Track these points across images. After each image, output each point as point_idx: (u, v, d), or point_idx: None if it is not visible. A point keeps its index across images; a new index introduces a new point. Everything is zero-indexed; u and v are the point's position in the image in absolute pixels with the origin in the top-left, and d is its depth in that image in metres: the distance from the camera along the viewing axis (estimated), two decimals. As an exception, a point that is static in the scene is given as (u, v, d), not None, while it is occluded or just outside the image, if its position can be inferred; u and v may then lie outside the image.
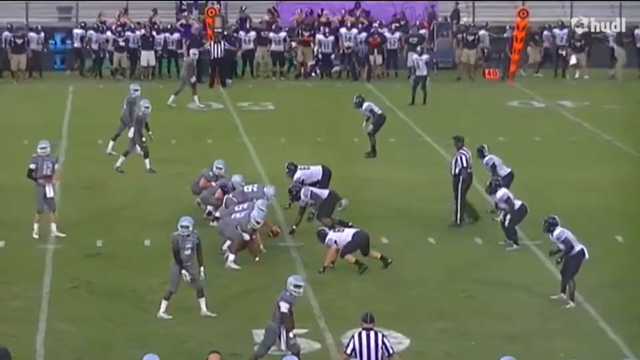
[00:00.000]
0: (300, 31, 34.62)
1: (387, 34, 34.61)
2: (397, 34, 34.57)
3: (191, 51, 30.99)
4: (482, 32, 34.77)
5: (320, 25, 35.10)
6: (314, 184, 20.20)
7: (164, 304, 15.89)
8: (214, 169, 20.26)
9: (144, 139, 23.21)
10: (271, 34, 34.30)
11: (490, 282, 17.52)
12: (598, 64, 34.78)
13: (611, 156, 25.32)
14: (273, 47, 34.35)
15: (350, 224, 18.97)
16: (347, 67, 34.51)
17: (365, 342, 12.77)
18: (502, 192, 18.78)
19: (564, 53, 34.71)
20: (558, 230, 16.48)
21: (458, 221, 19.91)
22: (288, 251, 18.89)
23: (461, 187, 19.90)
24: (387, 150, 25.23)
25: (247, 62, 34.58)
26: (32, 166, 19.14)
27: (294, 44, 34.50)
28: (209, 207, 20.08)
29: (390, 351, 12.84)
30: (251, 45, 34.27)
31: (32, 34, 33.83)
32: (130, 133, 23.40)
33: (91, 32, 34.02)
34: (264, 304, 14.28)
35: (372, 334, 12.82)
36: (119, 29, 34.20)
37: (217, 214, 19.59)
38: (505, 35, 34.62)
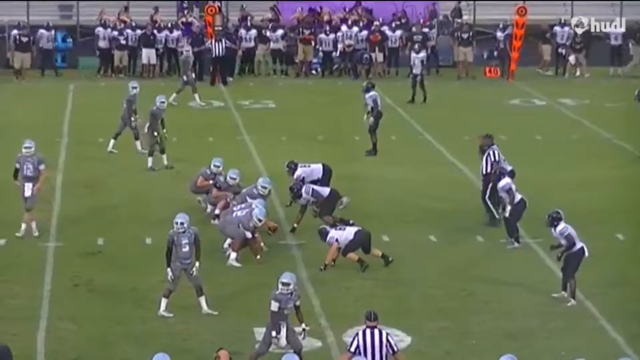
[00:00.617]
0: (300, 29, 34.59)
1: (388, 32, 34.59)
2: (398, 32, 34.56)
3: (184, 49, 31.03)
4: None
5: (321, 23, 35.08)
6: (314, 182, 20.19)
7: (164, 302, 15.89)
8: (212, 167, 20.26)
9: (155, 134, 23.17)
10: (268, 33, 34.28)
11: (491, 280, 17.52)
12: (599, 62, 34.78)
13: (612, 154, 25.31)
14: (272, 45, 34.34)
15: (351, 222, 18.96)
16: (347, 64, 34.50)
17: (369, 340, 12.77)
18: (505, 181, 18.76)
19: (564, 52, 34.68)
20: (562, 226, 16.45)
21: (496, 215, 19.53)
22: (289, 249, 18.89)
23: (492, 183, 19.58)
24: (388, 149, 25.21)
25: (247, 60, 34.56)
26: (17, 166, 19.15)
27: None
28: (209, 207, 20.09)
29: (395, 349, 12.84)
30: (252, 44, 34.26)
31: (42, 31, 33.81)
32: (145, 129, 23.41)
33: (100, 29, 33.99)
34: (265, 302, 14.27)
35: (376, 331, 12.82)
36: (120, 27, 34.18)
37: (217, 212, 19.60)
38: (499, 33, 34.52)
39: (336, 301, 16.60)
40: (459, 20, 35.83)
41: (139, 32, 33.96)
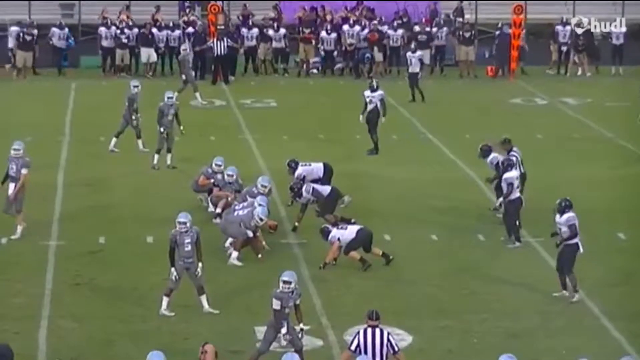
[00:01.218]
0: (301, 28, 34.56)
1: (390, 31, 34.57)
2: (400, 31, 34.54)
3: (182, 48, 31.03)
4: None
5: (323, 22, 35.07)
6: (315, 181, 20.19)
7: (165, 300, 15.90)
8: (213, 165, 20.26)
9: (162, 129, 23.12)
10: (271, 32, 34.28)
11: (492, 279, 17.51)
12: (600, 62, 34.79)
13: (613, 153, 25.29)
14: (274, 44, 34.33)
15: (353, 220, 18.96)
16: (349, 64, 34.49)
17: (370, 339, 12.75)
18: (511, 174, 18.75)
19: (565, 50, 34.65)
20: (570, 214, 16.40)
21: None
22: (290, 248, 18.89)
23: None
24: (389, 148, 25.21)
25: (249, 59, 34.56)
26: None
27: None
28: (211, 206, 20.10)
29: (396, 348, 12.82)
30: (253, 42, 34.25)
31: (54, 29, 33.80)
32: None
33: (102, 28, 33.99)
34: (266, 301, 14.27)
35: (377, 331, 12.80)
36: (121, 25, 34.17)
37: (219, 210, 19.60)
38: (497, 32, 34.52)
39: (337, 300, 16.60)
40: (460, 20, 35.81)
41: (136, 31, 33.88)
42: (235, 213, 18.27)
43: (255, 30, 34.29)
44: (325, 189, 19.70)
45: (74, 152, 24.91)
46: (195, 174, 20.83)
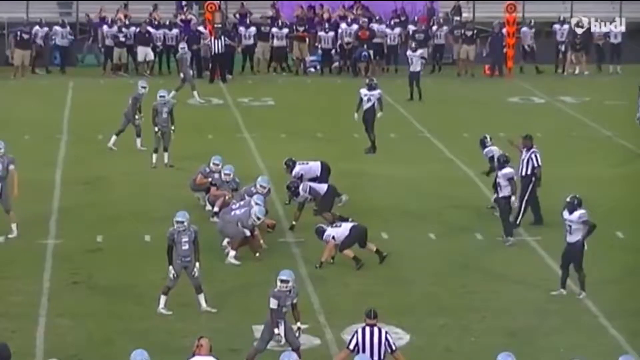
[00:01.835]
0: (295, 27, 34.52)
1: (387, 30, 34.56)
2: (397, 30, 34.52)
3: (180, 46, 31.00)
4: (524, 29, 34.60)
5: (320, 21, 35.05)
6: (313, 180, 20.18)
7: (162, 299, 15.88)
8: (211, 164, 20.25)
9: (156, 129, 23.12)
10: (274, 29, 34.24)
11: (490, 277, 17.50)
12: (599, 60, 34.82)
13: (611, 152, 25.30)
14: (275, 42, 34.28)
15: (350, 219, 18.95)
16: (347, 62, 34.47)
17: (369, 338, 12.75)
18: (508, 169, 18.74)
19: (563, 48, 34.66)
20: (582, 211, 16.32)
21: (518, 222, 19.39)
22: (288, 247, 18.87)
23: (532, 187, 19.53)
24: (387, 146, 25.20)
25: (247, 57, 34.53)
26: None
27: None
28: (208, 205, 20.10)
29: (393, 347, 12.82)
30: (251, 41, 34.22)
31: (57, 28, 33.73)
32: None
33: (104, 27, 33.95)
34: (264, 300, 14.25)
35: (375, 329, 12.80)
36: (119, 23, 34.14)
37: (216, 209, 19.59)
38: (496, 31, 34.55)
39: (335, 298, 16.59)
40: (458, 18, 35.79)
41: (133, 29, 33.83)
42: (232, 213, 18.25)
43: (253, 29, 34.26)
44: (322, 187, 19.69)
45: (72, 151, 24.89)
46: (193, 173, 20.81)
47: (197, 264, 15.89)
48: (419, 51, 30.75)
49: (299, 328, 14.21)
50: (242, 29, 34.24)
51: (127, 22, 34.24)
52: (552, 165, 23.67)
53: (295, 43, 34.34)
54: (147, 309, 15.95)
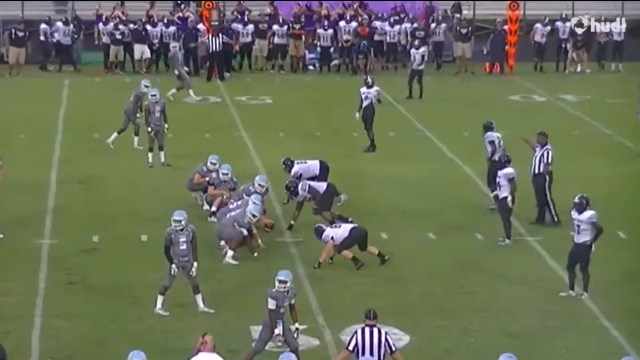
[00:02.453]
0: (291, 24, 34.39)
1: (387, 28, 34.44)
2: (397, 27, 34.40)
3: (171, 45, 30.85)
4: (537, 25, 34.46)
5: (318, 18, 34.92)
6: (311, 179, 20.07)
7: (159, 299, 15.75)
8: (208, 164, 20.12)
9: (149, 129, 23.01)
10: (275, 27, 34.10)
11: (490, 278, 17.38)
12: (599, 57, 34.71)
13: (613, 151, 25.20)
14: (276, 40, 34.14)
15: (350, 219, 18.81)
16: (345, 60, 34.35)
17: (368, 339, 12.66)
18: (510, 170, 18.61)
19: (564, 46, 34.55)
20: (592, 212, 16.20)
21: (556, 219, 19.44)
22: (287, 246, 18.74)
23: (548, 184, 19.49)
24: (386, 145, 25.08)
25: (244, 55, 34.40)
26: None
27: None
28: (206, 205, 19.96)
29: (393, 348, 12.73)
30: (249, 39, 34.09)
31: (59, 24, 33.56)
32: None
33: (100, 25, 33.82)
34: (262, 300, 14.13)
35: (375, 330, 12.71)
36: (116, 21, 34.00)
37: (214, 209, 19.45)
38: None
39: (334, 299, 16.47)
40: (458, 16, 35.68)
41: (131, 26, 33.71)
42: (228, 214, 18.14)
43: (251, 27, 34.12)
44: (321, 186, 19.57)
45: (67, 149, 24.75)
46: (190, 172, 20.67)
47: (195, 264, 15.76)
48: (422, 49, 30.63)
49: (297, 329, 14.10)
50: (239, 26, 34.10)
51: (124, 19, 34.09)
52: (553, 164, 23.57)
53: (292, 41, 34.21)
54: (144, 310, 15.83)
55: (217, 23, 33.73)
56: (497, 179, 18.88)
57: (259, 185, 18.75)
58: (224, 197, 19.50)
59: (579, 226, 16.21)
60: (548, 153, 19.65)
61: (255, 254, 18.01)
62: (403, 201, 21.16)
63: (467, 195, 21.35)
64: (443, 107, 29.47)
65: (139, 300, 16.18)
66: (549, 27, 34.36)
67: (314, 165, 20.62)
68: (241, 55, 34.37)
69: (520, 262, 18.05)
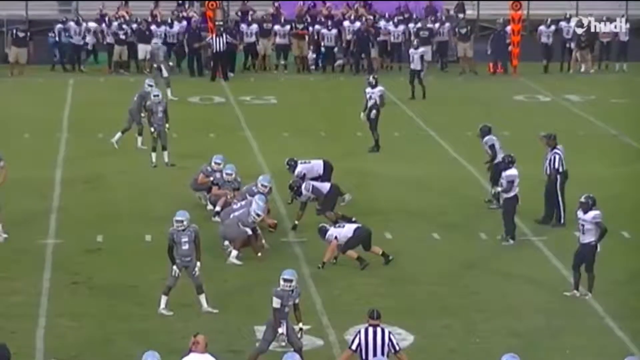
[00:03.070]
0: (294, 24, 34.36)
1: (391, 27, 34.41)
2: (401, 27, 34.37)
3: (152, 41, 30.76)
4: (541, 27, 34.41)
5: (322, 18, 34.89)
6: (315, 179, 20.06)
7: (163, 299, 15.74)
8: (212, 164, 20.11)
9: (152, 129, 23.00)
10: (277, 27, 34.09)
11: (494, 278, 17.35)
12: (600, 57, 34.66)
13: (618, 151, 25.15)
14: (278, 40, 34.12)
15: (353, 219, 18.80)
16: (349, 60, 34.32)
17: (372, 338, 12.63)
18: (512, 172, 18.58)
19: (568, 46, 34.51)
20: (596, 212, 16.18)
21: (561, 220, 19.44)
22: (291, 246, 18.73)
23: (560, 185, 19.51)
24: (391, 145, 25.05)
25: (249, 55, 34.38)
26: None
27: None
28: (210, 205, 19.96)
29: (397, 348, 12.70)
30: (253, 39, 34.07)
31: (71, 24, 33.55)
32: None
33: (104, 25, 33.81)
34: (266, 300, 14.11)
35: (378, 330, 12.68)
36: (119, 21, 34.00)
37: (218, 209, 19.45)
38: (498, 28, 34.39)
39: (338, 299, 16.45)
40: (462, 15, 35.64)
41: (134, 27, 33.69)
42: (232, 215, 18.13)
43: (255, 27, 34.10)
44: (325, 186, 19.56)
45: (72, 149, 24.75)
46: (194, 172, 20.67)
47: (198, 264, 15.76)
48: (421, 49, 30.59)
49: (300, 329, 14.08)
50: (243, 26, 34.09)
51: (127, 18, 34.07)
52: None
53: (295, 41, 34.19)
54: (148, 309, 15.81)
55: (221, 23, 33.69)
56: (500, 180, 18.86)
57: (262, 185, 18.75)
58: (228, 197, 19.49)
59: (583, 226, 16.19)
60: (555, 157, 19.61)
61: (259, 254, 18.00)
62: (407, 201, 21.13)
63: (471, 195, 21.32)
64: (447, 107, 29.42)
65: (143, 300, 16.17)
66: (553, 27, 34.30)
67: (317, 165, 20.61)
68: (245, 55, 34.34)
69: (525, 262, 18.02)
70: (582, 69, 34.35)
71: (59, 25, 33.54)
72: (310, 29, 34.35)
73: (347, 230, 17.71)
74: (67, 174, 22.77)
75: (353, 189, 20.57)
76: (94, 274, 17.24)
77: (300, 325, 14.10)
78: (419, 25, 34.33)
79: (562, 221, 19.51)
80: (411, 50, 30.51)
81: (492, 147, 20.54)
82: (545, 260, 18.07)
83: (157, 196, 21.23)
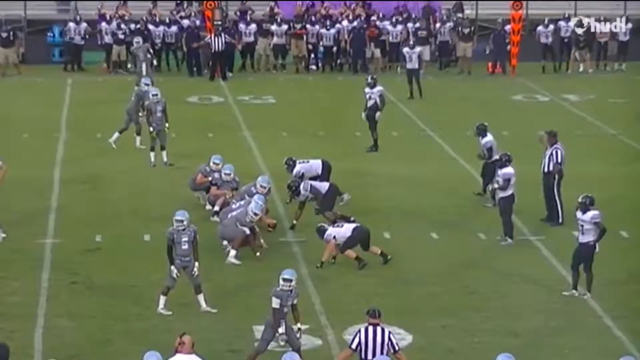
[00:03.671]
0: (292, 24, 34.35)
1: (389, 27, 34.41)
2: (399, 27, 34.37)
3: (134, 40, 30.69)
4: (539, 27, 34.39)
5: (320, 17, 34.88)
6: (314, 178, 20.07)
7: (162, 299, 15.74)
8: (211, 164, 20.11)
9: (151, 129, 23.01)
10: (273, 27, 34.09)
11: (493, 277, 17.36)
12: (598, 57, 34.66)
13: (616, 151, 25.15)
14: (275, 40, 34.13)
15: (352, 218, 18.80)
16: (348, 59, 34.32)
17: (371, 338, 12.63)
18: (508, 170, 18.58)
19: (567, 45, 34.52)
20: (595, 212, 16.18)
21: (560, 219, 19.48)
22: (289, 246, 18.73)
23: (557, 183, 19.52)
24: (389, 145, 25.04)
25: (247, 55, 34.38)
26: None
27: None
28: (208, 205, 19.96)
29: (396, 347, 12.71)
30: (252, 38, 34.07)
31: (71, 24, 33.51)
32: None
33: (103, 24, 33.79)
34: (265, 300, 14.12)
35: (378, 329, 12.69)
36: (118, 21, 33.97)
37: (217, 208, 19.45)
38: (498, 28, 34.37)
39: (337, 298, 16.45)
40: (460, 15, 35.63)
41: (132, 26, 33.66)
42: (230, 215, 18.13)
43: (254, 26, 34.10)
44: (323, 186, 19.56)
45: (70, 149, 24.74)
46: (192, 172, 20.67)
47: (197, 264, 15.76)
48: (417, 48, 30.59)
49: (299, 329, 14.08)
50: (242, 26, 34.08)
51: (127, 18, 34.05)
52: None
53: (293, 41, 34.18)
54: (147, 309, 15.82)
55: (219, 23, 33.67)
56: (496, 177, 18.87)
57: (261, 186, 18.75)
58: (227, 197, 19.50)
59: (582, 226, 16.20)
60: (557, 152, 19.64)
61: (258, 254, 18.01)
62: (405, 201, 21.14)
63: (470, 195, 21.32)
64: (446, 106, 29.42)
65: (142, 300, 16.17)
66: (551, 27, 34.30)
67: (316, 165, 20.61)
68: (244, 55, 34.33)
69: (524, 261, 18.02)
70: (581, 69, 34.36)
71: (71, 24, 33.32)
72: (309, 27, 34.35)
73: (345, 230, 17.71)
74: (65, 173, 22.77)
75: (352, 189, 20.58)
76: (93, 274, 17.24)
77: (299, 325, 14.10)
78: (417, 25, 34.32)
79: (560, 220, 19.52)
80: (406, 50, 30.49)
81: (489, 149, 20.52)
82: (544, 260, 18.08)
83: (156, 196, 21.24)
